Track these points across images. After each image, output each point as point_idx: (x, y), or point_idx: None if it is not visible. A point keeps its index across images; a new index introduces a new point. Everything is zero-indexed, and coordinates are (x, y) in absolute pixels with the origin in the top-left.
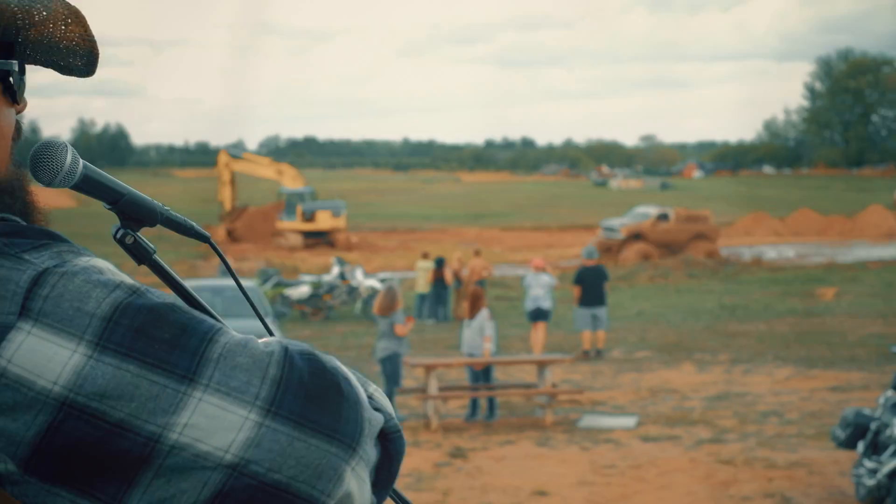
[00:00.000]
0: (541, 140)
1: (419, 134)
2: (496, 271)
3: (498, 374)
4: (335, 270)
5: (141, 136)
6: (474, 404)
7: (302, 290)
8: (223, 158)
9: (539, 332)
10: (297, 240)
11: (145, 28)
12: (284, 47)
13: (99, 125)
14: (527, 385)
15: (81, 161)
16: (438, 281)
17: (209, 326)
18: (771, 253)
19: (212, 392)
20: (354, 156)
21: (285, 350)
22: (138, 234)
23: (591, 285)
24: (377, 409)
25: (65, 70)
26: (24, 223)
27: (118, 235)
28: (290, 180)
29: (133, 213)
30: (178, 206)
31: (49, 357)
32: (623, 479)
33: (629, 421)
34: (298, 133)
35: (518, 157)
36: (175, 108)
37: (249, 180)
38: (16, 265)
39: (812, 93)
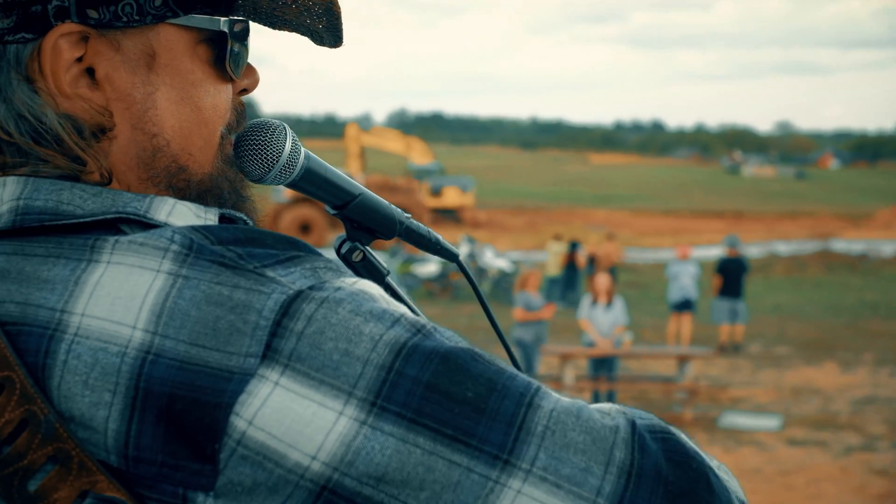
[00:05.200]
0: (671, 123)
1: (548, 113)
2: (626, 256)
3: (632, 366)
4: (464, 249)
5: (268, 106)
6: (597, 396)
7: (430, 268)
8: (352, 131)
9: (685, 324)
10: (424, 215)
11: None
12: (415, 20)
13: None
14: (666, 378)
15: (304, 150)
16: (570, 264)
17: (525, 384)
18: None
19: (536, 481)
20: (481, 132)
21: (633, 424)
22: (369, 248)
23: (732, 277)
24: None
25: (314, 36)
26: (257, 227)
27: (344, 250)
28: (419, 155)
29: (365, 222)
30: None
31: (306, 420)
32: (770, 486)
33: (773, 422)
34: (426, 107)
35: (648, 139)
36: (303, 78)
37: (377, 154)
38: (257, 286)
39: None
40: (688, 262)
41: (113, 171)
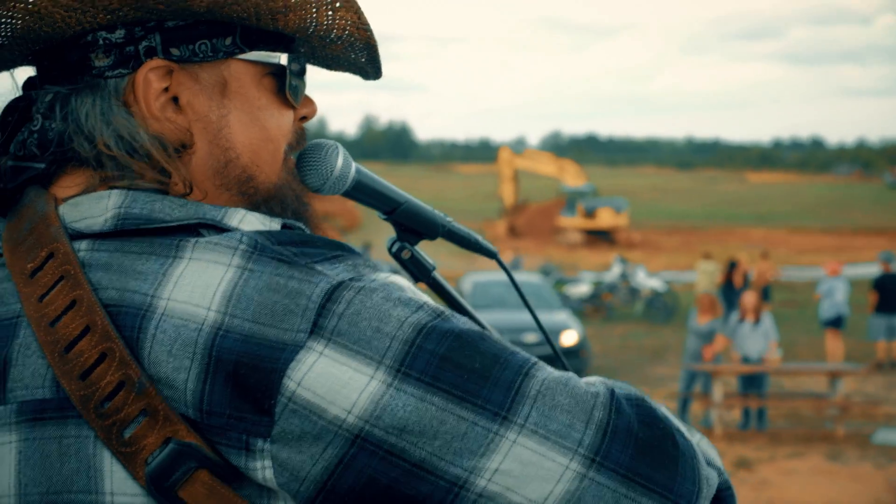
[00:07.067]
0: (832, 139)
1: (703, 132)
2: (783, 274)
3: (786, 382)
4: (616, 269)
5: (423, 132)
6: (747, 413)
7: (582, 289)
8: (505, 155)
9: (838, 341)
10: (577, 237)
11: (429, 24)
12: (567, 43)
13: (383, 120)
14: (817, 395)
15: (354, 164)
16: (728, 283)
17: (524, 359)
18: None
19: (528, 434)
20: (637, 153)
21: (612, 392)
22: (416, 248)
23: (888, 293)
24: (709, 464)
25: (356, 68)
26: (311, 232)
27: (394, 249)
28: (572, 177)
29: (411, 225)
30: (458, 201)
31: (343, 382)
32: None
33: None
34: (580, 129)
35: (807, 157)
36: (457, 103)
37: (530, 177)
38: (307, 277)
39: None
40: (839, 278)
41: (193, 180)
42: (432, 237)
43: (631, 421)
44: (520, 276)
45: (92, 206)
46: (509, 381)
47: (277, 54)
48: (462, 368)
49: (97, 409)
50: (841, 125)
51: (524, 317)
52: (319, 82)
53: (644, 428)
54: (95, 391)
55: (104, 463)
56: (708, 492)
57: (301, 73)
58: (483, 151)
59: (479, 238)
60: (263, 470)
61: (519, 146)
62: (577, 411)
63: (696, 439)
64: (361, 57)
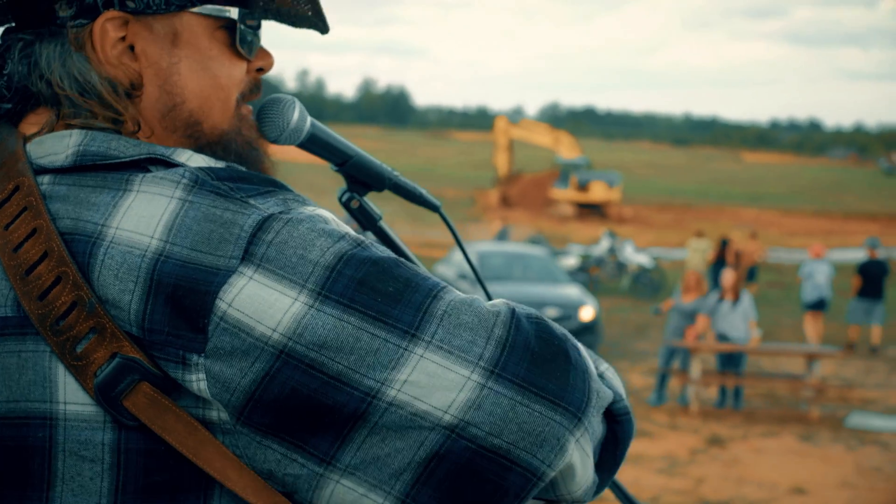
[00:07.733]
0: (829, 122)
1: (701, 109)
2: (771, 255)
3: (764, 363)
4: (604, 244)
5: (422, 97)
6: (724, 391)
7: (570, 262)
8: (501, 124)
9: (819, 323)
10: (569, 209)
11: None
12: (571, 13)
13: (382, 84)
14: (793, 376)
15: (310, 119)
16: (720, 261)
17: (434, 283)
18: None
19: (434, 349)
20: (634, 128)
21: (512, 311)
22: (365, 198)
23: (872, 278)
24: (609, 388)
25: (299, 20)
26: (247, 170)
27: (344, 199)
28: (567, 149)
29: (360, 177)
30: (453, 168)
31: (270, 304)
32: (889, 484)
33: None
34: (578, 102)
35: (804, 138)
36: (457, 69)
37: (525, 147)
38: (241, 209)
39: None
40: (822, 261)
41: (142, 120)
42: (379, 189)
43: (528, 337)
44: (523, 249)
45: (55, 144)
46: (419, 302)
47: (228, 9)
48: (377, 291)
49: (53, 327)
50: (839, 108)
51: (534, 289)
52: (319, 44)
53: (540, 343)
54: (52, 310)
55: (58, 375)
56: (598, 403)
57: (256, 28)
58: (480, 119)
59: (424, 192)
60: (198, 382)
61: (516, 116)
62: (479, 329)
63: (604, 368)
64: (307, 9)
